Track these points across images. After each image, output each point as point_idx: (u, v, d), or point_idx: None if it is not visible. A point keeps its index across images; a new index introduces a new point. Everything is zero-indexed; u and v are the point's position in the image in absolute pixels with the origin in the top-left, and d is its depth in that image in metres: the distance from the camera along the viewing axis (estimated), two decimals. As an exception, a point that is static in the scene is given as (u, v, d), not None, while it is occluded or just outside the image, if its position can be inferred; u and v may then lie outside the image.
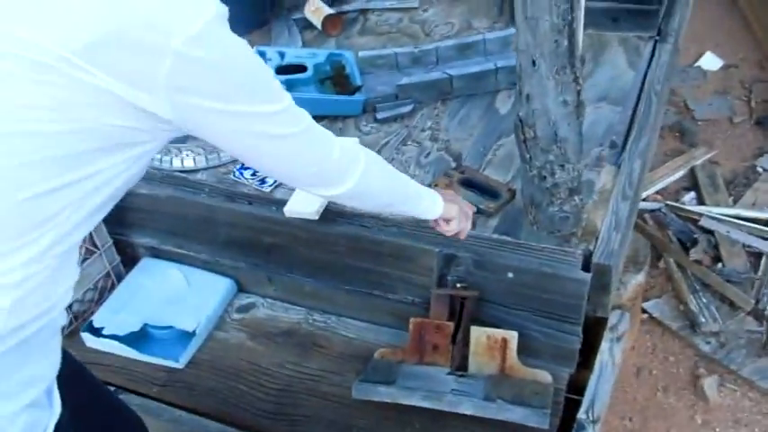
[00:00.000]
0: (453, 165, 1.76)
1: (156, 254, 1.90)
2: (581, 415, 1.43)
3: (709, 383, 1.88)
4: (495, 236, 1.51)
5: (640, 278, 1.65)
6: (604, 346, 1.54)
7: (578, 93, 1.37)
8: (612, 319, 1.57)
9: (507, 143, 1.81)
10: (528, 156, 1.44)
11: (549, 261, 1.47)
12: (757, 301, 2.03)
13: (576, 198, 1.48)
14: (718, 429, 1.83)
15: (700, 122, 2.87)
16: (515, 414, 1.40)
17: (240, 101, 0.88)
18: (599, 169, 1.69)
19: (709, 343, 1.97)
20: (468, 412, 1.42)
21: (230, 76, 0.86)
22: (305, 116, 0.98)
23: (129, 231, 1.88)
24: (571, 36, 1.31)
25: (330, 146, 1.03)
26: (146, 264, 1.90)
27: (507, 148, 1.79)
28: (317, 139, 1.01)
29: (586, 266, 1.46)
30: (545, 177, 1.44)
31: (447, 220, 1.29)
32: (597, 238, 1.50)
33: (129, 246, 1.91)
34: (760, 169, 2.56)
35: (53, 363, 0.93)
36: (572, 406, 1.49)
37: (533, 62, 1.32)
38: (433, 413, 1.47)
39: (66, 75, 0.76)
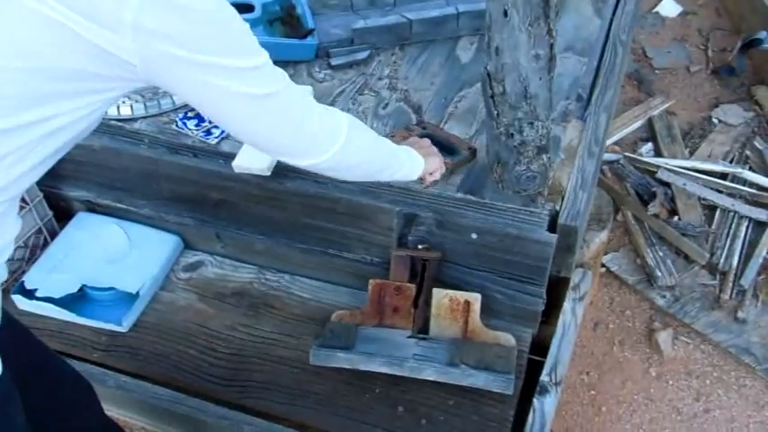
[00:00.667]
0: (413, 117, 1.66)
1: (93, 208, 1.76)
2: (544, 377, 1.40)
3: (664, 337, 1.90)
4: (459, 195, 1.44)
5: (603, 236, 1.62)
6: (567, 306, 1.51)
7: (551, 46, 1.29)
8: (575, 277, 1.54)
9: (470, 95, 1.72)
10: (495, 112, 1.36)
11: (514, 222, 1.41)
12: (712, 255, 2.04)
13: (543, 156, 1.41)
14: (671, 381, 1.85)
15: (657, 71, 2.84)
16: (479, 379, 1.37)
17: (213, 52, 0.81)
18: (565, 124, 1.62)
19: (664, 297, 1.98)
20: (430, 378, 1.38)
21: (204, 22, 0.80)
22: (282, 77, 0.93)
23: (61, 184, 1.73)
24: (546, -17, 1.21)
25: (309, 111, 0.97)
26: (81, 219, 1.76)
27: (470, 100, 1.71)
28: (294, 103, 0.95)
29: (552, 227, 1.41)
30: (512, 135, 1.37)
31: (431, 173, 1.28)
32: (563, 198, 1.45)
33: (61, 199, 1.77)
34: (715, 120, 2.55)
35: None
36: (534, 367, 1.47)
37: (505, 12, 1.22)
38: (395, 376, 1.43)
39: (27, 8, 0.71)
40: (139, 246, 1.69)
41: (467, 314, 1.46)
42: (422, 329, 1.47)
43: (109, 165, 1.64)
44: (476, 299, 1.46)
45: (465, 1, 1.94)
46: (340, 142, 1.01)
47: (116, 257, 1.66)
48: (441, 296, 1.47)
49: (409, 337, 1.45)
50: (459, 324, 1.46)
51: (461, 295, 1.46)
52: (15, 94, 0.76)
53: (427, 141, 1.38)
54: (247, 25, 0.87)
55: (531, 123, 1.35)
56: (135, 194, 1.68)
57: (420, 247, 1.47)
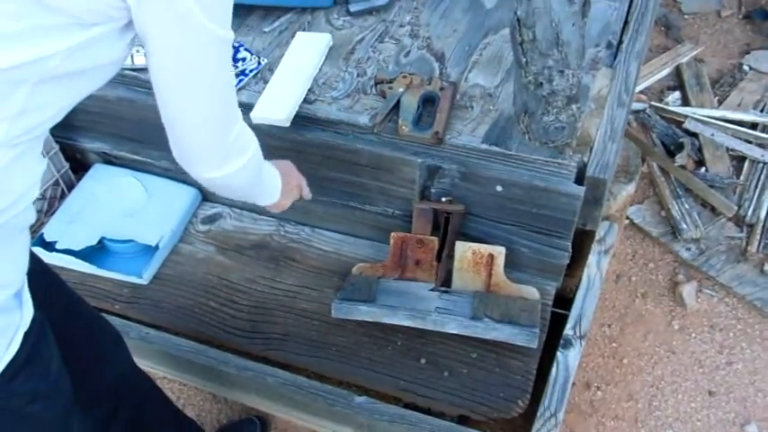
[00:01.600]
0: (436, 66, 1.61)
1: (109, 160, 1.75)
2: (568, 331, 1.39)
3: (688, 290, 1.87)
4: (484, 146, 1.40)
5: (630, 189, 1.58)
6: (592, 259, 1.49)
7: (586, -12, 1.22)
8: (600, 230, 1.51)
9: (494, 42, 1.65)
10: (524, 60, 1.30)
11: (541, 174, 1.37)
12: (739, 207, 2.00)
13: (573, 106, 1.36)
14: (693, 334, 1.84)
15: (687, 16, 2.73)
16: (503, 333, 1.36)
17: (210, 11, 0.80)
18: (594, 72, 1.56)
19: (689, 249, 1.94)
20: (453, 332, 1.37)
21: None
22: (231, 69, 0.94)
23: (76, 135, 1.71)
24: None
25: (235, 119, 0.96)
26: (98, 171, 1.75)
27: (495, 47, 1.64)
28: (230, 101, 0.94)
29: (580, 179, 1.37)
30: (542, 84, 1.31)
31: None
32: (591, 149, 1.40)
33: (77, 151, 1.75)
34: (746, 68, 2.46)
35: (18, 266, 0.88)
36: (557, 319, 1.45)
37: (537, -49, 1.16)
38: (417, 330, 1.42)
39: None
40: (157, 198, 1.67)
41: (490, 267, 1.44)
42: (444, 283, 1.45)
43: (124, 116, 1.61)
44: (500, 252, 1.43)
45: (489, -58, 1.86)
46: (240, 163, 0.99)
47: (134, 210, 1.65)
48: (464, 249, 1.45)
49: (432, 290, 1.43)
50: (482, 277, 1.44)
51: (485, 248, 1.44)
52: (16, 31, 0.74)
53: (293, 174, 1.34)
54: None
55: (562, 72, 1.30)
56: (151, 146, 1.66)
57: (443, 199, 1.44)
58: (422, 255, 1.46)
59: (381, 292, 1.43)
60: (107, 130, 1.67)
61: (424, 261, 1.45)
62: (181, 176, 1.69)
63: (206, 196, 1.72)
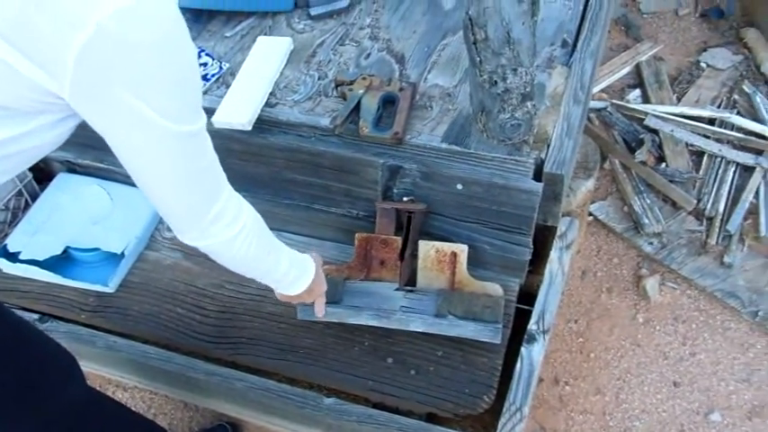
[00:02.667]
0: (396, 67, 1.63)
1: (73, 169, 1.74)
2: (531, 326, 1.41)
3: (651, 283, 1.91)
4: (444, 145, 1.42)
5: (590, 184, 1.61)
6: (554, 254, 1.51)
7: (534, -12, 1.25)
8: (561, 226, 1.54)
9: (453, 43, 1.68)
10: (478, 59, 1.32)
11: (500, 171, 1.40)
12: (698, 201, 2.04)
13: (528, 104, 1.39)
14: (658, 327, 1.87)
15: (645, 15, 2.79)
16: (467, 330, 1.37)
17: (161, 108, 0.78)
18: (550, 71, 1.59)
19: (651, 243, 1.98)
20: (418, 330, 1.39)
21: (161, 71, 0.76)
22: (210, 145, 0.92)
23: (40, 146, 1.70)
24: None
25: (213, 198, 0.95)
26: (62, 180, 1.74)
27: (453, 48, 1.67)
28: (211, 178, 0.94)
29: (538, 176, 1.40)
30: (496, 82, 1.34)
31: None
32: (549, 146, 1.43)
33: (41, 161, 1.73)
34: (704, 65, 2.52)
35: None
36: (522, 316, 1.47)
37: (486, -48, 1.18)
38: (383, 329, 1.43)
39: None
40: (122, 205, 1.67)
41: (453, 265, 1.46)
42: (409, 282, 1.47)
43: (88, 124, 1.60)
44: (462, 250, 1.45)
45: (447, -55, 1.88)
46: (231, 233, 0.99)
47: (99, 218, 1.64)
48: (427, 248, 1.47)
49: (396, 289, 1.45)
50: (446, 275, 1.46)
51: (448, 246, 1.46)
52: None
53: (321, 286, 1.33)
54: (200, 83, 0.86)
55: (515, 70, 1.32)
56: (114, 154, 1.65)
57: (405, 199, 1.46)
58: (386, 255, 1.47)
59: (347, 293, 1.44)
60: (71, 138, 1.65)
61: (389, 261, 1.47)
62: (145, 184, 1.68)
63: (171, 203, 1.72)
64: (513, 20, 1.25)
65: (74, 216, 1.65)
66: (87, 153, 1.68)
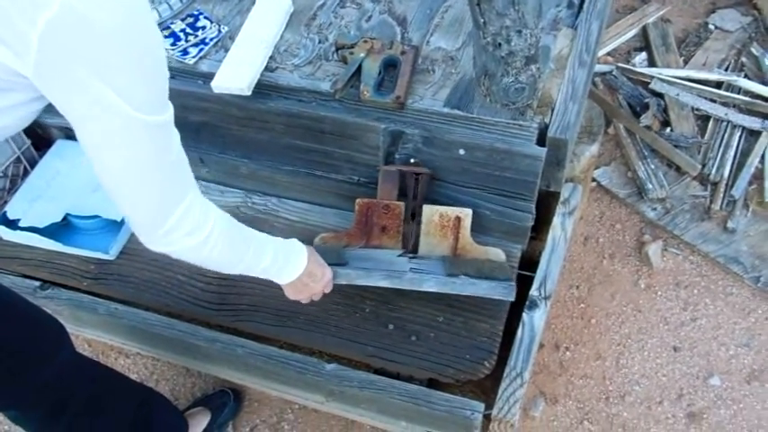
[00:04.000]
0: (398, 30, 1.59)
1: (71, 135, 1.71)
2: (533, 292, 1.41)
3: (654, 249, 1.90)
4: (446, 110, 1.40)
5: (594, 149, 1.59)
6: (556, 220, 1.50)
7: (540, -54, 1.21)
8: (564, 192, 1.52)
9: (456, 4, 1.64)
10: (482, 20, 1.29)
11: (503, 136, 1.38)
12: (703, 166, 2.02)
13: (532, 67, 1.36)
14: (659, 292, 1.87)
15: (653, -25, 2.73)
16: (481, 288, 1.36)
17: (126, 94, 0.77)
18: (555, 33, 1.56)
19: (654, 209, 1.97)
20: (431, 289, 1.36)
21: (126, 55, 0.75)
22: (177, 141, 0.89)
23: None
24: None
25: (178, 199, 0.91)
26: (61, 146, 1.72)
27: (456, 9, 1.63)
28: (176, 177, 0.91)
29: (541, 141, 1.37)
30: (500, 45, 1.31)
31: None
32: (553, 110, 1.40)
33: (39, 126, 1.72)
34: (712, 27, 2.47)
35: None
36: (524, 282, 1.47)
37: None
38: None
39: None
40: (121, 172, 1.65)
41: (457, 230, 1.45)
42: (411, 248, 1.46)
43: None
44: (467, 214, 1.44)
45: None
46: (192, 244, 0.96)
47: (98, 185, 1.62)
48: (431, 213, 1.45)
49: (400, 255, 1.43)
50: (449, 241, 1.45)
51: (452, 211, 1.45)
52: None
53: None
54: (166, 75, 0.83)
55: (519, 32, 1.29)
56: (113, 119, 1.63)
57: (411, 161, 1.44)
58: (388, 221, 1.46)
59: (351, 258, 1.43)
60: (66, 104, 1.64)
61: (390, 227, 1.45)
62: (144, 150, 1.67)
63: (171, 169, 1.70)
64: (518, -20, 1.22)
65: (73, 183, 1.63)
66: (85, 119, 1.66)
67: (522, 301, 1.41)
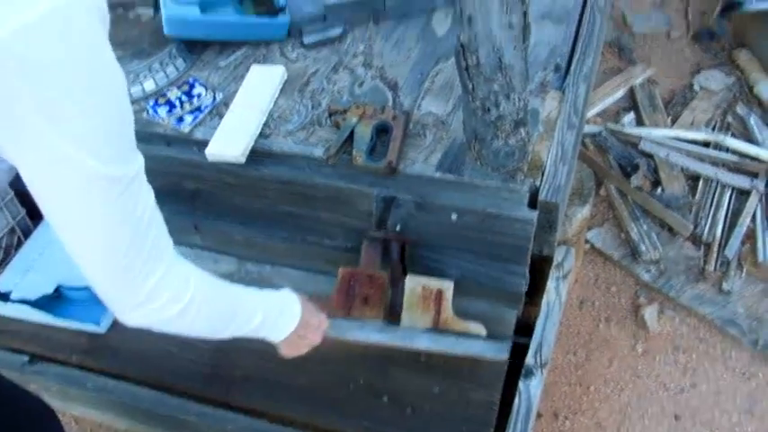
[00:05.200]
0: (389, 95, 1.62)
1: (66, 203, 1.71)
2: (529, 359, 1.38)
3: (650, 312, 1.88)
4: (438, 174, 1.40)
5: (585, 212, 1.59)
6: (550, 285, 1.49)
7: (525, 13, 1.24)
8: (558, 255, 1.52)
9: (446, 68, 1.67)
10: (470, 85, 1.31)
11: (494, 200, 1.38)
12: (696, 226, 2.03)
13: (521, 130, 1.37)
14: (658, 357, 1.84)
15: (638, 37, 2.80)
16: (473, 346, 1.33)
17: (78, 139, 0.68)
18: (543, 95, 1.58)
19: (649, 271, 1.96)
20: (423, 346, 1.34)
21: (75, 93, 0.67)
22: (149, 199, 0.79)
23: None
24: (518, -51, 1.17)
25: (150, 268, 0.81)
26: (53, 215, 1.71)
27: (446, 73, 1.66)
28: (148, 239, 0.79)
29: (533, 204, 1.38)
30: (489, 109, 1.32)
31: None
32: (543, 173, 1.41)
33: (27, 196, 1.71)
34: (697, 87, 2.52)
35: None
36: (519, 348, 1.44)
37: (476, -20, 1.17)
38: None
39: None
40: (114, 240, 1.64)
41: (439, 303, 1.42)
42: (393, 320, 1.43)
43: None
44: (448, 287, 1.42)
45: (439, -28, 1.89)
46: (176, 310, 0.86)
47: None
48: (413, 284, 1.43)
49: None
50: (431, 314, 1.42)
51: (434, 283, 1.43)
52: None
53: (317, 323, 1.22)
54: (129, 121, 0.75)
55: (508, 96, 1.31)
56: (105, 187, 1.63)
57: (395, 230, 1.43)
58: (370, 291, 1.42)
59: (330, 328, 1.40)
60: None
61: (373, 298, 1.41)
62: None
63: (163, 236, 1.69)
64: (505, 45, 1.24)
65: (66, 253, 1.62)
66: (77, 187, 1.66)
67: (518, 369, 1.39)
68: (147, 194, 0.80)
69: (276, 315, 1.09)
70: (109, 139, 0.71)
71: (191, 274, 0.90)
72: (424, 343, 1.34)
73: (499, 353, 1.34)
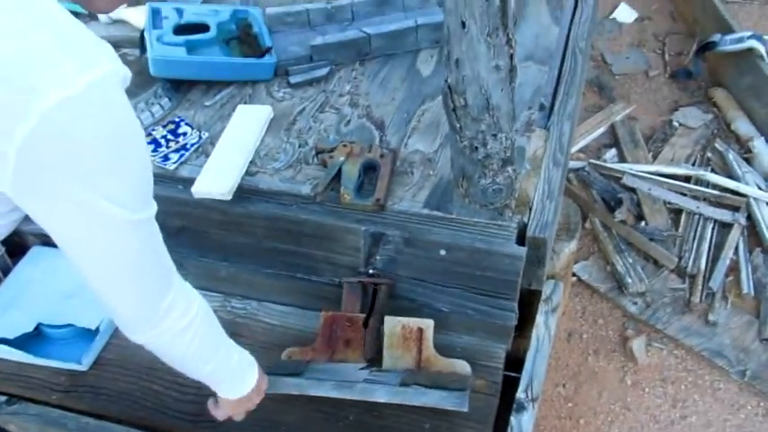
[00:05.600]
0: (376, 133, 1.63)
1: (48, 241, 1.68)
2: (520, 394, 1.37)
3: (638, 344, 1.89)
4: (426, 211, 1.41)
5: (573, 246, 1.61)
6: (539, 319, 1.49)
7: (511, 56, 1.26)
8: (546, 289, 1.52)
9: (432, 108, 1.69)
10: (458, 125, 1.33)
11: (483, 236, 1.39)
12: (680, 258, 2.05)
13: (509, 168, 1.39)
14: (647, 389, 1.85)
15: (617, 76, 2.87)
16: (432, 398, 1.32)
17: (115, 197, 0.74)
18: (529, 134, 1.61)
19: (635, 303, 1.97)
20: (381, 400, 1.33)
21: (113, 161, 0.73)
22: (159, 231, 0.87)
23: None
24: (503, -6, 1.20)
25: (165, 289, 0.92)
26: (36, 252, 1.69)
27: (432, 113, 1.68)
28: (163, 266, 0.91)
29: (521, 240, 1.39)
30: (477, 148, 1.34)
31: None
32: (530, 209, 1.43)
33: (15, 234, 1.69)
34: (676, 124, 2.58)
35: None
36: (510, 383, 1.44)
37: (463, 24, 1.19)
38: (368, 403, 1.38)
39: None
40: (97, 278, 1.62)
41: (420, 342, 1.42)
42: (374, 361, 1.42)
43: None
44: (429, 325, 1.42)
45: (423, 13, 1.93)
46: (183, 324, 0.96)
47: (73, 291, 1.59)
48: (393, 324, 1.43)
49: (361, 368, 1.39)
50: (412, 353, 1.42)
51: (414, 322, 1.42)
52: None
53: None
54: (150, 170, 0.82)
55: (495, 135, 1.33)
56: (91, 225, 1.62)
57: (371, 272, 1.44)
58: (351, 334, 1.42)
59: (309, 370, 1.39)
60: (44, 211, 1.63)
61: (354, 340, 1.42)
62: (121, 255, 1.65)
63: (148, 274, 1.68)
64: (492, 87, 1.26)
65: (47, 290, 1.59)
66: (62, 225, 1.64)
67: (509, 404, 1.38)
68: (158, 228, 0.87)
69: (246, 365, 1.16)
70: (136, 191, 0.79)
71: (191, 290, 1.00)
72: (382, 396, 1.34)
73: (458, 405, 1.31)
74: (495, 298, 1.43)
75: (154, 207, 0.84)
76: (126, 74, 0.74)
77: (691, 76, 2.80)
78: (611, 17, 3.19)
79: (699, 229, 2.12)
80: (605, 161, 2.41)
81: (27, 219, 1.70)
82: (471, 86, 1.26)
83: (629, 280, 1.99)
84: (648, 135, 2.55)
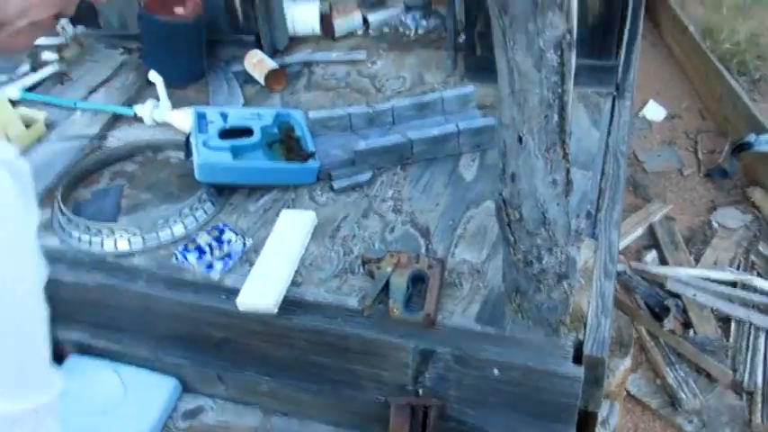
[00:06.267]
0: (422, 242, 1.61)
1: (86, 350, 1.66)
2: None
3: (697, 466, 1.78)
4: (478, 327, 1.36)
5: (627, 363, 1.54)
6: (597, 443, 1.41)
7: (567, 171, 1.25)
8: (603, 411, 1.45)
9: (477, 215, 1.67)
10: (512, 239, 1.30)
11: (538, 354, 1.33)
12: (734, 371, 1.96)
13: (564, 283, 1.34)
14: None
15: (651, 175, 2.86)
16: None
17: None
18: (578, 244, 1.57)
19: (691, 422, 1.87)
20: None
21: None
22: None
23: (51, 325, 1.63)
24: (561, 110, 1.19)
25: None
26: (73, 363, 1.65)
27: (478, 220, 1.66)
28: None
29: (577, 359, 1.33)
30: (531, 263, 1.31)
31: None
32: (585, 325, 1.37)
33: (52, 342, 1.66)
34: (715, 224, 2.54)
35: None
36: None
37: (520, 139, 1.19)
38: None
39: None
40: (135, 391, 1.57)
41: None
42: None
43: (103, 303, 1.56)
44: None
45: (463, 117, 1.94)
46: None
47: (109, 406, 1.54)
48: None
49: None
50: None
51: None
52: None
53: None
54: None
55: (551, 250, 1.29)
56: (130, 334, 1.59)
57: (420, 391, 1.37)
58: None
59: None
60: (84, 318, 1.60)
61: None
62: (160, 366, 1.60)
63: (187, 386, 1.62)
64: (549, 201, 1.24)
65: (81, 404, 1.54)
66: (101, 333, 1.61)
67: None
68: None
69: None
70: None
71: None
72: None
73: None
74: (551, 422, 1.35)
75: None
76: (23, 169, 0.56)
77: (726, 175, 2.78)
78: (640, 114, 3.22)
79: (751, 339, 2.04)
80: (646, 263, 2.36)
81: (60, 327, 1.67)
82: (527, 201, 1.24)
83: (683, 395, 1.89)
84: (688, 236, 2.51)
